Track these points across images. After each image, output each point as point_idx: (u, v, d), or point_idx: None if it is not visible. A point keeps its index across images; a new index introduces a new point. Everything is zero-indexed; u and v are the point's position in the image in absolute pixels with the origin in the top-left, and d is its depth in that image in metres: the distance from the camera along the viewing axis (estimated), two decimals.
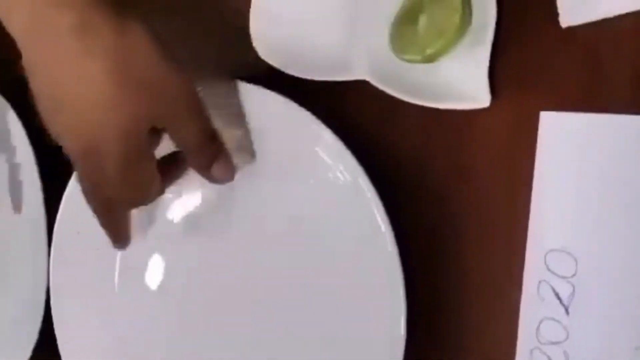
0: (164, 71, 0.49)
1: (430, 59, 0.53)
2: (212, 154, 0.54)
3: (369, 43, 0.56)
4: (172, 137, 0.52)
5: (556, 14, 0.51)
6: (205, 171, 0.55)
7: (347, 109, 0.58)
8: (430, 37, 0.53)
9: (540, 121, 0.52)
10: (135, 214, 0.57)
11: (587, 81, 0.51)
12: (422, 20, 0.53)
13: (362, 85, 0.56)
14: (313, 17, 0.59)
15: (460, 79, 0.53)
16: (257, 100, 0.58)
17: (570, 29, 0.51)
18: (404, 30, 0.54)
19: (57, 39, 0.47)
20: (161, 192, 0.54)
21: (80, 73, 0.47)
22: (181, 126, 0.51)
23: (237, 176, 0.57)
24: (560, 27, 0.51)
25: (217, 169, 0.55)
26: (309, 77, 0.58)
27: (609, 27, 0.51)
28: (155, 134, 0.51)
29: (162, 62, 0.49)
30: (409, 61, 0.54)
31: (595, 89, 0.51)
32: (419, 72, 0.54)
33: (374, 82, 0.55)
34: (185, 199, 0.62)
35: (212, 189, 0.59)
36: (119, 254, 0.63)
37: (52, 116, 0.49)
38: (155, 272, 0.63)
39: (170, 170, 0.55)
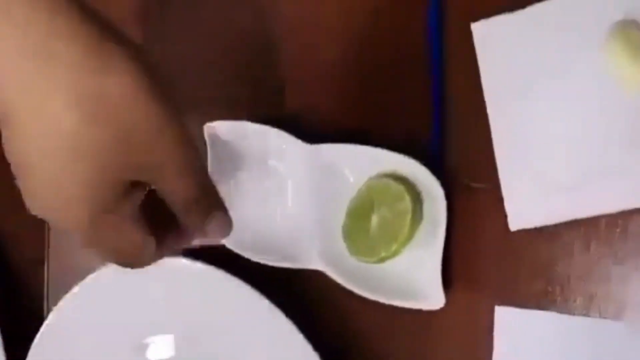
0: (151, 116, 0.39)
1: (383, 261, 0.53)
2: (205, 210, 0.44)
3: (325, 235, 0.56)
4: (159, 192, 0.42)
5: (506, 216, 0.52)
6: (198, 229, 0.45)
7: (303, 296, 0.58)
8: (382, 240, 0.53)
9: (495, 316, 0.53)
10: None
11: (539, 279, 0.52)
12: (374, 220, 0.54)
13: (319, 274, 0.56)
14: (271, 203, 0.59)
15: (414, 278, 0.54)
16: (214, 282, 0.58)
17: (520, 231, 0.52)
18: (356, 228, 0.54)
19: (17, 64, 0.38)
20: (156, 257, 0.44)
21: (40, 108, 0.38)
22: (169, 181, 0.41)
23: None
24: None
25: (211, 226, 0.45)
26: (263, 262, 0.58)
27: (558, 231, 0.51)
28: (136, 188, 0.41)
29: (151, 105, 0.39)
30: (362, 261, 0.54)
31: (548, 288, 0.52)
32: (373, 267, 0.54)
33: (330, 273, 0.56)
34: None
35: None
36: None
37: (18, 172, 0.40)
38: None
39: (167, 234, 0.45)
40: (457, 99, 0.54)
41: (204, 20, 0.61)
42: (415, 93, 0.55)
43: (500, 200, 0.52)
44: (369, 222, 0.54)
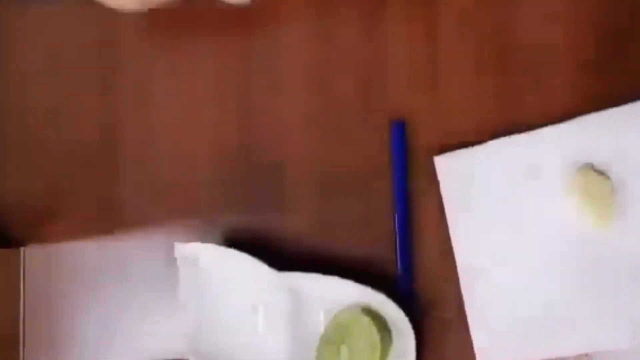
0: None
1: None
2: None
3: None
4: None
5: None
6: None
7: None
8: None
9: None
10: None
11: None
12: (344, 353, 0.53)
13: None
14: (241, 326, 0.59)
15: None
16: None
17: None
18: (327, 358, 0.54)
19: None
20: None
21: None
22: None
23: None
24: None
25: None
26: None
27: None
28: None
29: None
30: None
31: None
32: None
33: None
34: None
35: None
36: None
37: None
38: None
39: None
40: (423, 230, 0.54)
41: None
42: (382, 224, 0.55)
43: (468, 332, 0.52)
44: (339, 356, 0.54)
